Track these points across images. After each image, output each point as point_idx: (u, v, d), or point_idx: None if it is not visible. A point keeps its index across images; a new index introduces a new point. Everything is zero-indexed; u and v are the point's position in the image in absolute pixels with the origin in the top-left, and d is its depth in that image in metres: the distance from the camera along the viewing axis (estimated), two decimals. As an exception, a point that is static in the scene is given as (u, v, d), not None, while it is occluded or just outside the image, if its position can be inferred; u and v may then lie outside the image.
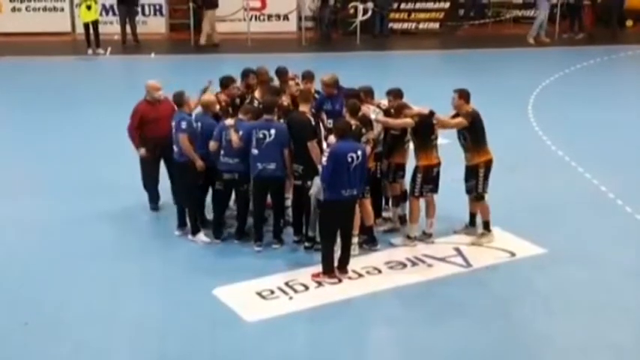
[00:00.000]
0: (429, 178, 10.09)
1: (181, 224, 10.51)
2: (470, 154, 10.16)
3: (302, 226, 10.22)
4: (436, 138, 10.14)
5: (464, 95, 10.10)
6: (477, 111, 10.12)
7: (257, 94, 10.76)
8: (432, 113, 9.93)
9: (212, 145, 10.01)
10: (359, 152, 9.19)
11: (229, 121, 10.05)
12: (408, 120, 10.00)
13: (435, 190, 10.21)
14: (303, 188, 9.94)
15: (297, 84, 11.00)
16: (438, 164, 10.15)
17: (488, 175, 10.15)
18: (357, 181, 9.25)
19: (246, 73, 11.15)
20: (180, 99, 10.25)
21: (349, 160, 9.11)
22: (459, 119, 10.06)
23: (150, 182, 11.00)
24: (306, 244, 10.10)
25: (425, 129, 10.00)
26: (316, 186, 9.59)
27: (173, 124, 10.12)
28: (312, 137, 9.84)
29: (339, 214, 9.30)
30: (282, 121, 10.03)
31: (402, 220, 10.67)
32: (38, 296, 9.03)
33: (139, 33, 22.77)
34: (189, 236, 10.34)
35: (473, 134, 10.08)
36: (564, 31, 23.83)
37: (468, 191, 10.35)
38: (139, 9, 23.30)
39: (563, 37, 23.55)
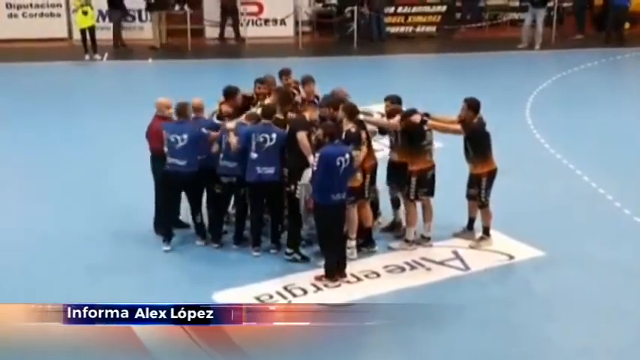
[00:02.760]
0: (423, 182, 10.09)
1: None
2: (472, 164, 10.16)
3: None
4: (429, 143, 10.14)
5: (472, 106, 10.06)
6: (482, 123, 10.10)
7: (268, 101, 10.71)
8: (423, 121, 9.91)
9: (215, 147, 10.05)
10: (347, 156, 9.24)
11: (230, 125, 10.06)
12: (393, 121, 10.00)
13: (430, 193, 10.21)
14: (291, 193, 9.90)
15: (296, 87, 11.07)
16: (432, 167, 10.16)
17: (491, 184, 10.15)
18: (345, 184, 9.31)
19: (255, 83, 11.12)
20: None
21: (338, 163, 9.16)
22: (457, 127, 10.05)
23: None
24: (287, 251, 9.99)
25: (415, 134, 10.00)
26: (304, 187, 9.58)
27: (187, 137, 9.92)
28: (302, 129, 9.75)
29: (332, 218, 9.34)
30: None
31: (396, 225, 10.67)
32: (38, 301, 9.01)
33: (137, 39, 22.75)
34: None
35: (474, 145, 10.08)
36: (569, 33, 23.83)
37: (469, 197, 10.35)
38: (136, 14, 23.31)
39: (571, 38, 23.55)
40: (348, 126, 9.65)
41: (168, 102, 10.53)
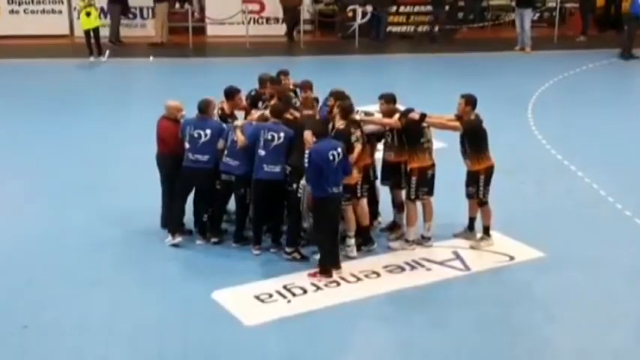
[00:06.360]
0: (424, 181, 10.08)
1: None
2: (469, 160, 10.15)
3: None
4: (428, 141, 10.11)
5: (470, 102, 10.07)
6: (479, 120, 10.10)
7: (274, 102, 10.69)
8: (422, 118, 9.90)
9: (221, 144, 10.06)
10: (339, 149, 9.33)
11: (237, 122, 10.11)
12: (388, 120, 10.01)
13: (430, 192, 10.19)
14: (292, 192, 9.88)
15: (294, 89, 11.14)
16: (432, 166, 10.14)
17: (489, 181, 10.13)
18: (340, 178, 9.38)
19: (264, 81, 11.15)
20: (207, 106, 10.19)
21: (331, 157, 9.22)
22: (456, 124, 10.05)
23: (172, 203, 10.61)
24: (286, 250, 10.00)
25: (413, 132, 9.99)
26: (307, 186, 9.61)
27: (210, 132, 9.99)
28: (309, 127, 9.75)
29: (330, 210, 9.38)
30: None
31: (396, 226, 10.65)
32: (38, 300, 9.02)
33: (138, 36, 22.74)
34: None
35: (471, 142, 10.07)
36: (571, 34, 23.82)
37: (468, 196, 10.33)
38: (137, 11, 23.29)
39: (579, 39, 23.53)
40: (339, 124, 9.69)
41: (180, 105, 10.53)
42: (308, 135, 9.61)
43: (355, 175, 9.77)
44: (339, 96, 10.17)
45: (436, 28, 23.68)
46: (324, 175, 9.23)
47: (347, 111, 9.78)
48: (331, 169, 9.25)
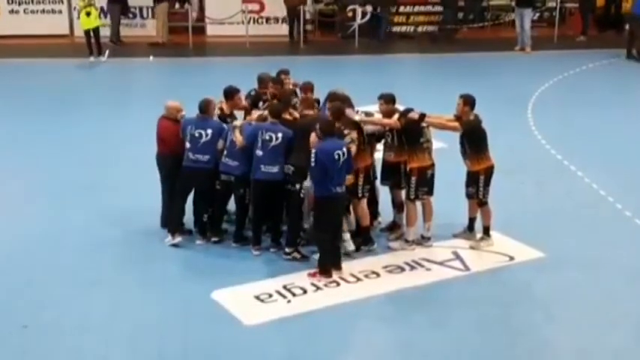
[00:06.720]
0: (423, 181, 10.07)
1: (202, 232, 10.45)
2: (469, 161, 10.15)
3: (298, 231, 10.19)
4: (428, 141, 10.11)
5: (469, 102, 10.08)
6: (478, 120, 10.10)
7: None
8: (421, 118, 9.91)
9: (220, 144, 10.06)
10: (344, 149, 9.34)
11: (236, 122, 10.13)
12: (388, 120, 10.00)
13: (429, 192, 10.19)
14: (294, 192, 9.89)
15: (294, 89, 11.15)
16: (432, 166, 10.14)
17: (489, 181, 10.13)
18: (344, 178, 9.39)
19: (265, 80, 11.18)
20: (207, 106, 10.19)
21: (336, 157, 9.22)
22: (455, 124, 10.06)
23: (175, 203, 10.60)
24: (286, 250, 10.01)
25: (413, 132, 9.99)
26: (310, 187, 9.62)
27: (211, 132, 10.00)
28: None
29: (332, 210, 9.38)
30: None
31: (396, 226, 10.65)
32: (38, 300, 9.01)
33: (138, 35, 22.73)
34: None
35: (471, 142, 10.08)
36: (571, 33, 23.84)
37: (468, 196, 10.33)
38: (137, 11, 23.29)
39: (579, 39, 23.55)
40: (333, 123, 9.67)
41: (179, 106, 10.53)
42: (313, 138, 9.63)
43: (350, 177, 9.75)
44: (332, 97, 10.16)
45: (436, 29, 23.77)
46: (329, 174, 9.22)
47: (338, 112, 9.75)
48: (336, 169, 9.24)
